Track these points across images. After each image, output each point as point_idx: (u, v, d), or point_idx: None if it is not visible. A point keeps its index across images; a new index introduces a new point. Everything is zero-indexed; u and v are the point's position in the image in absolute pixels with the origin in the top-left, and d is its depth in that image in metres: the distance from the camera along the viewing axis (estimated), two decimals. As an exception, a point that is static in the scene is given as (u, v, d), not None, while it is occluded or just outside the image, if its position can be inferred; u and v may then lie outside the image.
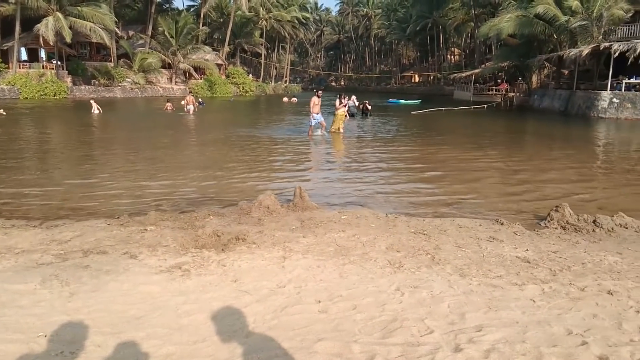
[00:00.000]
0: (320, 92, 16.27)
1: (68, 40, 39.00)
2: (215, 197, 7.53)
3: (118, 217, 5.93)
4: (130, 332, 3.05)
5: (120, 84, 46.47)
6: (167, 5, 62.63)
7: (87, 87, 44.22)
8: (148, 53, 49.61)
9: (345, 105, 17.31)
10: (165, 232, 5.19)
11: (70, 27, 38.63)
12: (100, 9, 41.50)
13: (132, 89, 47.07)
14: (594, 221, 5.72)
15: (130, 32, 54.92)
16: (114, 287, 3.74)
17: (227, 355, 2.79)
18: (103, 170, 9.86)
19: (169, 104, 28.21)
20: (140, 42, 52.26)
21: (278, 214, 6.09)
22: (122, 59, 49.01)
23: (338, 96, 17.46)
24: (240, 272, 4.06)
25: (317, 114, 15.64)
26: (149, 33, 51.78)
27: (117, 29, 47.76)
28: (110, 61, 48.31)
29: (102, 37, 41.60)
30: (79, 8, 40.04)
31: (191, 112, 25.54)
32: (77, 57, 46.85)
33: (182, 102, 26.97)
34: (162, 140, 15.03)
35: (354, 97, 24.44)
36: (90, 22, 40.21)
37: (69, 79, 43.20)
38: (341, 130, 16.54)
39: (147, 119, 23.89)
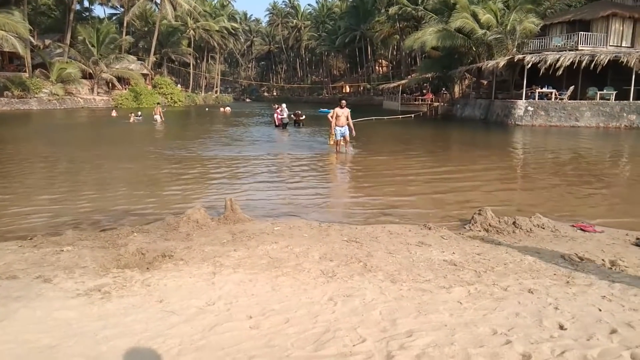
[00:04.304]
0: (344, 102, 14.52)
1: (-25, 49, 36.15)
2: (139, 213, 7.16)
3: (31, 238, 5.48)
4: (42, 363, 2.79)
5: (36, 96, 43.53)
6: (87, 14, 59.71)
7: (-1, 99, 41.11)
8: (67, 63, 46.96)
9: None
10: (83, 252, 4.84)
11: (-22, 35, 35.85)
12: (12, 17, 38.68)
13: (49, 100, 44.24)
14: (514, 223, 6.02)
15: (47, 41, 51.82)
16: (25, 315, 3.42)
17: (150, 381, 2.62)
18: (15, 188, 9.13)
19: (132, 114, 28.76)
20: (58, 51, 49.41)
21: (208, 228, 5.90)
22: (38, 69, 46.00)
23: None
24: (166, 291, 3.85)
25: (342, 126, 13.99)
26: (68, 42, 49.03)
27: (31, 38, 44.81)
28: (25, 71, 45.22)
29: (14, 46, 38.83)
30: (-13, 15, 37.25)
31: (159, 122, 26.77)
32: (-13, 67, 43.56)
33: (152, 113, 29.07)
34: (81, 154, 14.23)
35: (284, 106, 24.49)
36: (2, 30, 37.43)
37: (-23, 91, 40.00)
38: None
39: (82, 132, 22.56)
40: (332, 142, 14.38)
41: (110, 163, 12.45)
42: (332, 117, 13.95)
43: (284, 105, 24.70)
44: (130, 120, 28.02)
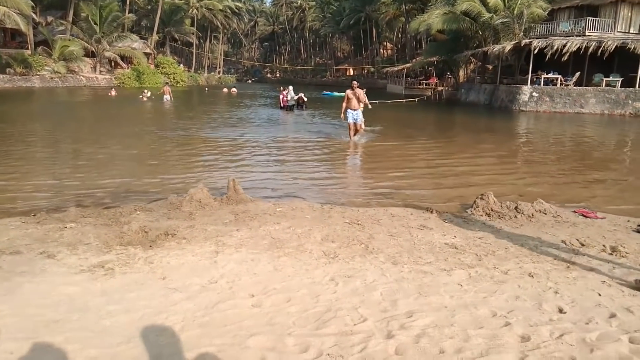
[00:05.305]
0: (355, 82, 13.04)
1: (-23, 25, 35.87)
2: (142, 192, 7.18)
3: (34, 215, 5.51)
4: (47, 336, 2.83)
5: (38, 73, 43.36)
6: (90, -9, 59.03)
7: (1, 76, 40.92)
8: (69, 40, 46.66)
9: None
10: (86, 229, 4.88)
11: (-21, 11, 35.57)
12: (14, -8, 38.44)
13: (52, 78, 44.07)
14: (516, 208, 6.02)
15: (50, 18, 51.39)
16: (29, 290, 3.46)
17: (153, 356, 2.66)
18: (18, 165, 9.15)
19: (143, 94, 30.10)
20: (61, 28, 49.03)
21: (211, 208, 5.92)
22: (40, 47, 45.73)
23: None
24: (169, 268, 3.89)
25: (355, 110, 12.77)
26: (70, 19, 48.67)
27: (34, 14, 44.45)
28: (27, 48, 44.96)
29: (17, 23, 38.53)
30: (-11, -10, 36.89)
31: (168, 101, 27.72)
32: (-11, 43, 43.30)
33: (159, 92, 30.36)
34: (86, 132, 14.22)
35: (291, 88, 24.39)
36: (4, 6, 37.12)
37: (-21, 67, 39.84)
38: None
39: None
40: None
41: (116, 142, 12.43)
42: (344, 100, 12.99)
43: (290, 87, 24.62)
44: (144, 99, 28.95)
